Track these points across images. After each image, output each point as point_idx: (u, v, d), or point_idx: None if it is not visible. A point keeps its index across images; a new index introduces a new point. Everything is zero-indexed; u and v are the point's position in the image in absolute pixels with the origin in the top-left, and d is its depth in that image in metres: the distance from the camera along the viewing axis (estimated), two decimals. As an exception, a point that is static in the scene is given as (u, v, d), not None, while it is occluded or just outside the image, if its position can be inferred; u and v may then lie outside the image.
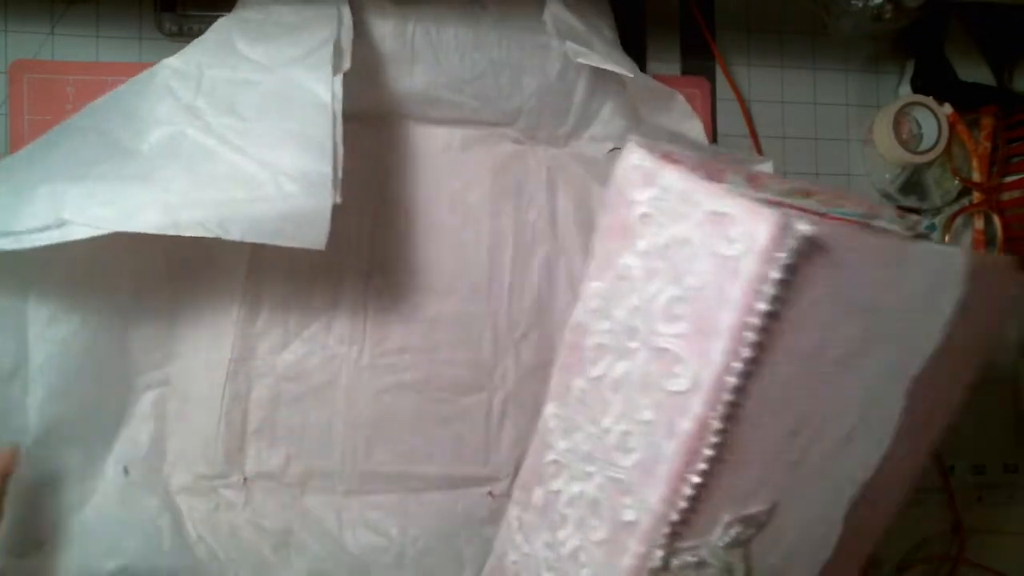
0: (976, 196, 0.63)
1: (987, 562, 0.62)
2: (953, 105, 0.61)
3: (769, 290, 0.27)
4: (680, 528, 0.30)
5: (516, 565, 0.35)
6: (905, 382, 0.34)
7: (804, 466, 0.32)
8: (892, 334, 0.32)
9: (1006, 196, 0.62)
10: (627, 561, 0.30)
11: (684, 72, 0.60)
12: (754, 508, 0.31)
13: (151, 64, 0.55)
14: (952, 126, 0.60)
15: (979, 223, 0.62)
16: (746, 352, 0.27)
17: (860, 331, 0.31)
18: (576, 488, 0.32)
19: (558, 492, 0.32)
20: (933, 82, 0.62)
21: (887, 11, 0.58)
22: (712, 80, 0.61)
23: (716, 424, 0.28)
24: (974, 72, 0.63)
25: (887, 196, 0.63)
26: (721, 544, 0.31)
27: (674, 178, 0.28)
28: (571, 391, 0.32)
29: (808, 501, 0.33)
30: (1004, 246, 0.62)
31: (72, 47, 0.53)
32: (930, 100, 0.60)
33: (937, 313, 0.33)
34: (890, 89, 0.64)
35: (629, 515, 0.30)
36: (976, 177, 0.62)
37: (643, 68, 0.60)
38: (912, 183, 0.62)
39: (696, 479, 0.29)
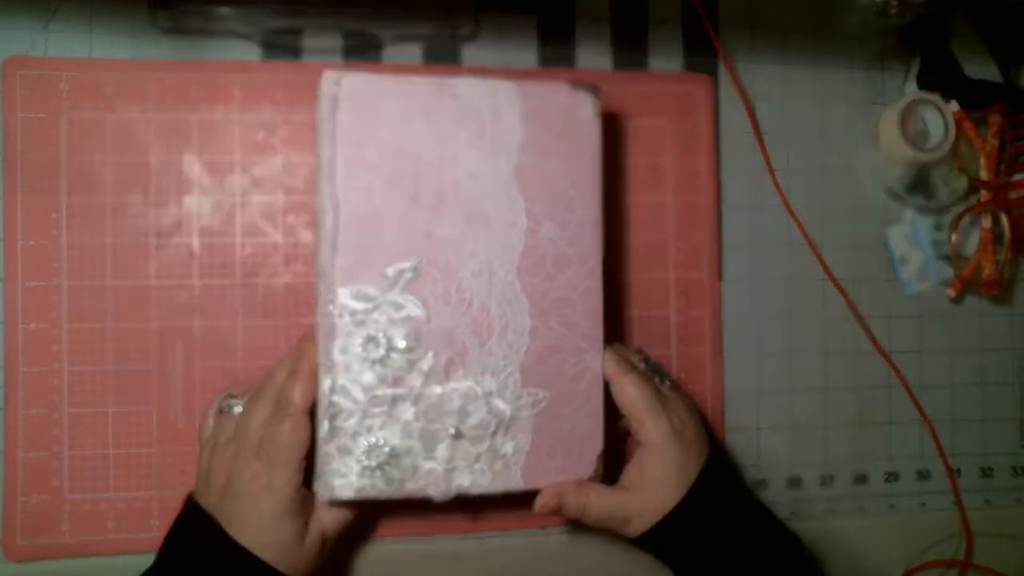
0: (983, 194, 0.62)
1: (995, 566, 0.62)
2: (960, 102, 0.60)
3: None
4: (343, 276, 0.43)
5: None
6: (508, 172, 0.46)
7: (435, 236, 0.45)
8: (486, 134, 0.46)
9: (1014, 194, 0.61)
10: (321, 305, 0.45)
11: (686, 69, 0.60)
12: (403, 264, 0.44)
13: (145, 60, 0.55)
14: (959, 124, 0.60)
15: (987, 222, 0.61)
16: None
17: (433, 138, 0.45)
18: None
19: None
20: (939, 79, 0.61)
21: (892, 7, 0.58)
22: (715, 77, 0.60)
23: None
24: (981, 69, 0.62)
25: (894, 194, 0.62)
26: (387, 287, 0.44)
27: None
28: None
29: (462, 263, 0.45)
30: (1012, 244, 0.61)
31: (66, 43, 0.52)
32: (937, 97, 0.59)
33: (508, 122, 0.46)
34: (896, 86, 0.63)
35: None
36: (983, 175, 0.62)
37: (644, 64, 0.59)
38: (919, 181, 0.61)
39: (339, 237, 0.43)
